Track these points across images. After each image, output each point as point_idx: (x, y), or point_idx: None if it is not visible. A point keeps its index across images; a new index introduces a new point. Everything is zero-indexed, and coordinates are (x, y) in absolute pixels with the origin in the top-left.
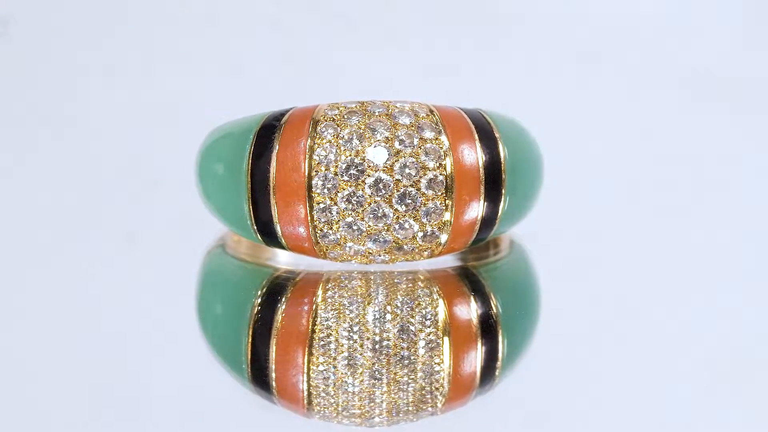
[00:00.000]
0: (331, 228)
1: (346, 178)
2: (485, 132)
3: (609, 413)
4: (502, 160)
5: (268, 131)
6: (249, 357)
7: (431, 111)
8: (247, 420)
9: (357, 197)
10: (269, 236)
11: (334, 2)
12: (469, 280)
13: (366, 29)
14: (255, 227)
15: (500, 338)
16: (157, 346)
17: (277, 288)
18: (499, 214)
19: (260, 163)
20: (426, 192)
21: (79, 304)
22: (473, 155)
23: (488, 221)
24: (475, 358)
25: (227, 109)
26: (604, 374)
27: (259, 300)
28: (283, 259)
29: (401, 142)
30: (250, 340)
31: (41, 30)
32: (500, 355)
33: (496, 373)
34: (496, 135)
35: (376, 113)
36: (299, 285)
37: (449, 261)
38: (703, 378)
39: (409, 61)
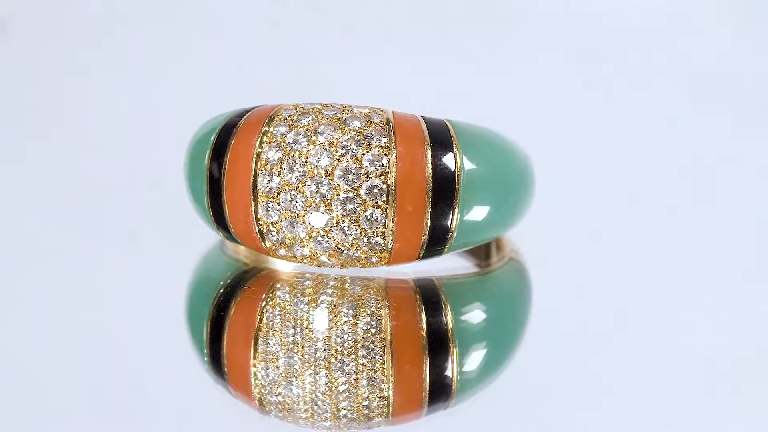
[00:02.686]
0: (274, 227)
1: (288, 178)
2: (442, 143)
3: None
4: (457, 172)
5: (229, 128)
6: (209, 354)
7: (387, 118)
8: (242, 420)
9: (298, 198)
10: (227, 232)
11: (335, 3)
12: (427, 292)
13: (366, 29)
14: (215, 223)
15: (452, 353)
16: (152, 345)
17: (236, 285)
18: (452, 226)
19: (217, 159)
20: (366, 198)
21: (78, 303)
22: (421, 165)
23: (439, 233)
24: (422, 371)
25: (228, 108)
26: (586, 393)
27: (222, 292)
28: (279, 261)
29: (345, 147)
30: (208, 332)
31: (41, 30)
32: (454, 369)
33: (453, 388)
34: (455, 147)
35: (329, 116)
36: (256, 283)
37: (413, 271)
38: (700, 385)
39: (410, 62)
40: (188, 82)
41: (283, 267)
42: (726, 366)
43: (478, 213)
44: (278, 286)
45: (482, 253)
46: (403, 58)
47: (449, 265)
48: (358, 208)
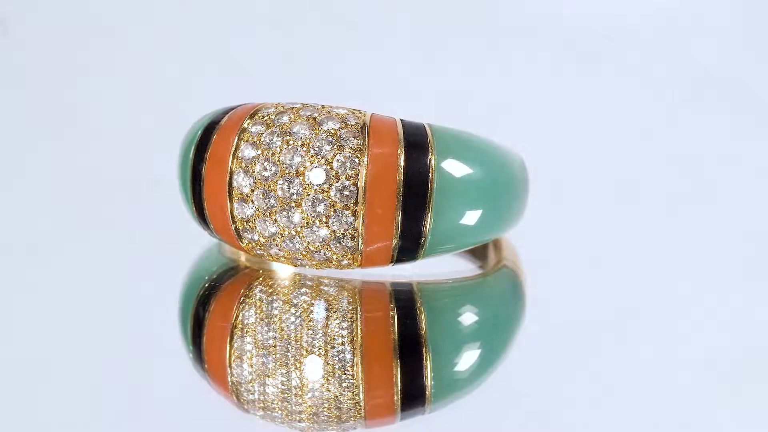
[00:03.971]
0: (248, 225)
1: (260, 177)
2: (418, 147)
3: None
4: (430, 175)
5: (212, 125)
6: (194, 351)
7: (363, 120)
8: (237, 418)
9: (269, 197)
10: (209, 229)
11: (335, 3)
12: (403, 296)
13: (366, 29)
14: (199, 219)
15: (426, 359)
16: (149, 344)
17: (219, 282)
18: (426, 230)
19: (200, 156)
20: (336, 200)
21: (78, 303)
22: (392, 168)
23: (412, 237)
24: (393, 375)
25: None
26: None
27: (206, 287)
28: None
29: (317, 147)
30: (190, 330)
31: (41, 30)
32: (428, 374)
33: (427, 393)
34: (431, 151)
35: (305, 116)
36: (237, 280)
37: (394, 275)
38: (700, 386)
39: (408, 62)
40: (188, 81)
41: (280, 268)
42: (726, 366)
43: (458, 217)
44: (256, 284)
45: (479, 256)
46: (402, 58)
47: (442, 268)
48: (327, 209)
